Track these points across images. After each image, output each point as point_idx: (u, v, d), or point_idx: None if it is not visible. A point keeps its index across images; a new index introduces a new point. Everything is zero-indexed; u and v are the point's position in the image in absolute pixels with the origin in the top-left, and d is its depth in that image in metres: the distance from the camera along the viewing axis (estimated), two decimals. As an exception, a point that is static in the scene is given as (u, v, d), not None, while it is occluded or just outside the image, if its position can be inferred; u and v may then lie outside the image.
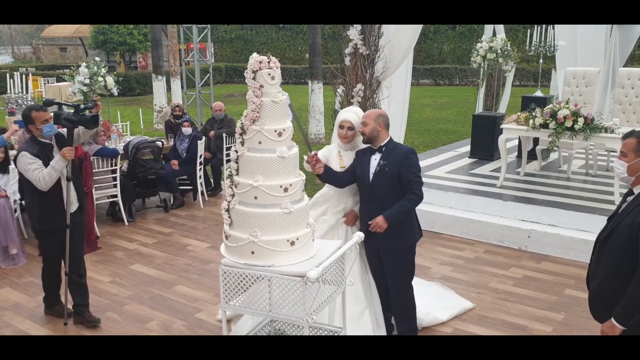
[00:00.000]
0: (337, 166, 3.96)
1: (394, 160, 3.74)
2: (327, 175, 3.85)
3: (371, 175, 3.79)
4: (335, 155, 4.00)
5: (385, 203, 3.74)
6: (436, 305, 4.46)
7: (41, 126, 4.09)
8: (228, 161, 7.94)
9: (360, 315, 3.93)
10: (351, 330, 3.74)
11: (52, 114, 4.15)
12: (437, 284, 4.98)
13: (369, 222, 3.74)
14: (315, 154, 3.72)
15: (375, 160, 3.80)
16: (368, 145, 3.85)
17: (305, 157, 3.76)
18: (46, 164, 4.07)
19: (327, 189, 4.09)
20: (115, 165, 6.77)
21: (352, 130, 3.92)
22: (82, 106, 4.14)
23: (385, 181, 3.74)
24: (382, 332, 4.02)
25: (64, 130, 4.23)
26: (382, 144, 3.80)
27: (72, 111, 4.11)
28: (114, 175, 6.81)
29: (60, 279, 4.50)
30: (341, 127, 3.95)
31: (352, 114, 3.96)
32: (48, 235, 4.30)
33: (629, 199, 2.84)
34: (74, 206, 4.33)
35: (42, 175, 4.03)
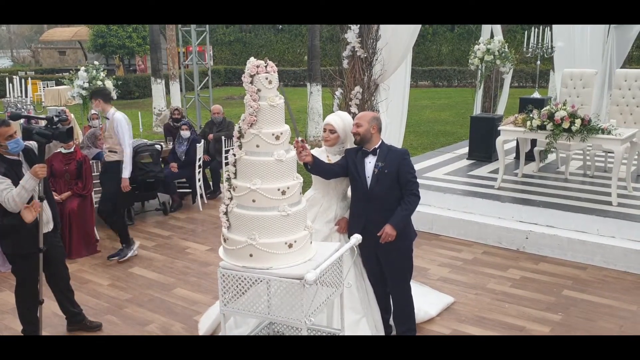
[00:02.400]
0: None
1: (392, 161, 3.76)
2: (316, 166, 3.75)
3: (369, 179, 3.80)
4: (325, 159, 3.98)
5: (382, 203, 3.77)
6: (421, 301, 4.48)
7: (5, 142, 3.76)
8: (227, 164, 7.97)
9: (357, 323, 3.94)
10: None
11: (16, 129, 3.83)
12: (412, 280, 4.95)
13: (378, 234, 3.75)
14: (303, 141, 3.57)
15: (370, 163, 3.81)
16: (358, 146, 3.85)
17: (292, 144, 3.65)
18: (15, 183, 3.75)
19: (314, 191, 4.07)
20: (115, 168, 6.79)
21: (333, 133, 3.92)
22: (55, 119, 3.79)
23: (385, 183, 3.76)
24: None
25: (32, 144, 3.90)
26: (375, 147, 3.82)
27: (44, 125, 3.79)
28: (113, 178, 6.82)
29: (38, 304, 4.11)
30: (324, 129, 3.98)
31: (336, 117, 3.96)
32: (24, 259, 3.97)
33: None
34: (49, 225, 4.05)
35: (12, 195, 3.68)
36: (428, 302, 4.57)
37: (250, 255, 3.13)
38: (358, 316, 3.96)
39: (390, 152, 3.81)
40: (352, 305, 3.93)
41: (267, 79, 3.13)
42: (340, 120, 3.95)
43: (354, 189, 3.93)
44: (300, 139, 3.56)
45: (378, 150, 3.81)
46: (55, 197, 5.39)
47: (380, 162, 3.78)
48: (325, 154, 4.02)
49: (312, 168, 3.76)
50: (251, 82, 3.13)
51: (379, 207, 3.79)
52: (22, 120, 4.53)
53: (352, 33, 4.78)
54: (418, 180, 3.90)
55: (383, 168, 3.76)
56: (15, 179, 3.77)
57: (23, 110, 8.20)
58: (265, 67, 3.14)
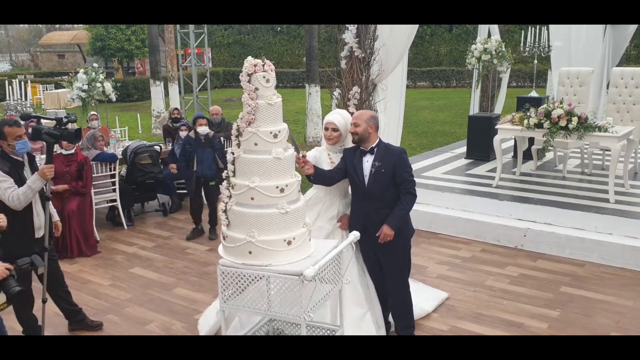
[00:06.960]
0: (327, 167, 4.00)
1: (389, 160, 3.80)
2: (317, 175, 3.82)
3: (367, 178, 3.83)
4: (326, 157, 4.03)
5: (379, 202, 3.80)
6: (416, 297, 4.50)
7: (14, 142, 3.81)
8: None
9: (361, 318, 3.99)
10: (354, 333, 3.78)
11: (24, 130, 3.86)
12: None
13: (377, 235, 3.79)
14: (304, 155, 3.65)
15: (367, 162, 3.84)
16: (356, 145, 3.88)
17: None
18: (17, 182, 3.78)
19: (317, 190, 4.10)
20: (114, 170, 6.83)
21: (336, 131, 3.97)
22: (64, 119, 3.84)
23: (382, 182, 3.79)
24: (383, 333, 4.07)
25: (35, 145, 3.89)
26: (373, 146, 3.84)
27: (53, 125, 3.81)
28: (112, 180, 6.87)
29: (33, 301, 4.13)
30: (326, 128, 4.01)
31: (337, 115, 4.01)
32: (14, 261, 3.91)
33: None
34: (40, 232, 4.00)
35: (17, 194, 3.72)
36: (423, 298, 4.60)
37: (250, 253, 3.16)
38: (363, 310, 4.01)
39: (387, 151, 3.84)
40: (356, 300, 3.98)
41: (264, 77, 3.16)
42: (342, 118, 4.00)
43: (352, 187, 3.97)
44: (301, 154, 3.62)
45: (375, 149, 3.84)
46: (52, 187, 5.43)
47: (377, 161, 3.81)
48: (327, 153, 4.06)
49: (315, 179, 3.84)
50: (249, 81, 3.17)
51: (376, 206, 3.82)
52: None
53: (349, 33, 4.81)
54: (417, 179, 3.93)
55: (380, 167, 3.79)
56: (17, 179, 3.81)
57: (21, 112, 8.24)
58: (263, 65, 3.17)
